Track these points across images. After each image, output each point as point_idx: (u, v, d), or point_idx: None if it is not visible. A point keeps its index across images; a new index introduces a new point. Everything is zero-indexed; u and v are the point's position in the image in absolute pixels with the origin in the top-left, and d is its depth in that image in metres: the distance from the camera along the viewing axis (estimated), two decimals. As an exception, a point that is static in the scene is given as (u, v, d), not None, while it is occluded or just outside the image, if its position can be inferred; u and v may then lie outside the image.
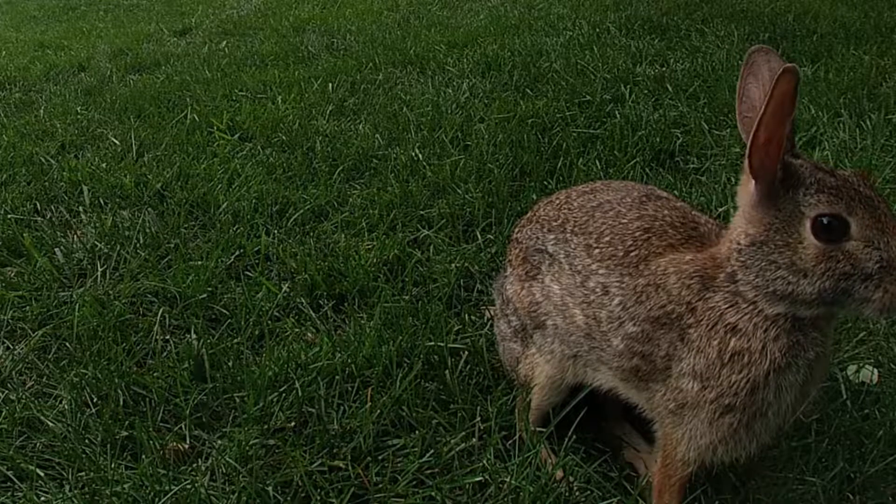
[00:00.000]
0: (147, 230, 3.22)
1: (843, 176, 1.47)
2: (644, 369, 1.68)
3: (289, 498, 1.89)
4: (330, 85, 5.05)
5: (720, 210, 2.88)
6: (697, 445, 1.63)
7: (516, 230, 2.09)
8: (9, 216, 3.48)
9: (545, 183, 3.34)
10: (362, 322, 2.53)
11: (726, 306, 1.55)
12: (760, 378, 1.53)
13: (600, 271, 1.75)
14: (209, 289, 2.76)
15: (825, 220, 1.43)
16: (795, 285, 1.46)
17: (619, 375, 1.76)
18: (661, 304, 1.63)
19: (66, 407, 2.24)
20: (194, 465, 2.03)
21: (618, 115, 3.96)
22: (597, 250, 1.77)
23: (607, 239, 1.76)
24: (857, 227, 1.42)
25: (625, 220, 1.77)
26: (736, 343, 1.53)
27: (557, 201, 1.98)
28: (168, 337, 2.58)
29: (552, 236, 1.90)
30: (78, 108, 5.17)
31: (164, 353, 2.48)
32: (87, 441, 2.11)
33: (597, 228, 1.80)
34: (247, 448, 2.02)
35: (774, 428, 1.61)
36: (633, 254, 1.71)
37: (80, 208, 3.56)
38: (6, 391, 2.36)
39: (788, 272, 1.47)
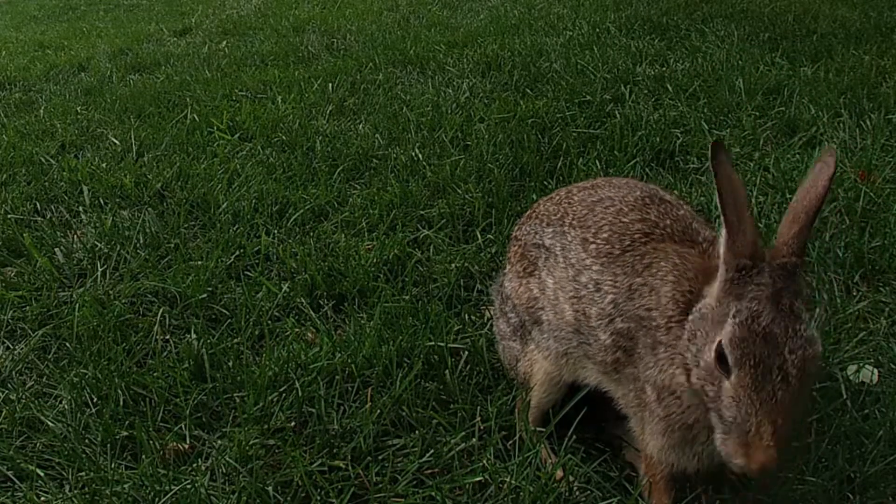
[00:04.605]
0: (147, 230, 3.21)
1: (764, 323, 1.38)
2: (623, 362, 1.69)
3: (289, 498, 1.89)
4: (330, 85, 5.05)
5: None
6: (657, 446, 1.65)
7: (516, 228, 2.09)
8: (9, 216, 3.47)
9: (545, 183, 3.34)
10: (362, 322, 2.53)
11: (688, 342, 1.53)
12: (699, 418, 1.53)
13: (594, 267, 1.74)
14: (209, 289, 2.76)
15: (721, 352, 1.41)
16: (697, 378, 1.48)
17: (601, 368, 1.77)
18: (649, 307, 1.63)
19: (66, 407, 2.24)
20: (194, 465, 2.03)
21: (618, 115, 3.96)
22: (593, 245, 1.76)
23: (605, 235, 1.76)
24: (736, 378, 1.39)
25: (626, 220, 1.77)
26: (685, 382, 1.53)
27: (558, 197, 1.98)
28: (168, 337, 2.58)
29: (550, 230, 1.90)
30: (78, 108, 5.17)
31: (164, 353, 2.48)
32: (87, 441, 2.11)
33: (596, 223, 1.80)
34: (247, 448, 2.02)
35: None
36: (629, 254, 1.71)
37: (80, 208, 3.56)
38: (6, 391, 2.36)
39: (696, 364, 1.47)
